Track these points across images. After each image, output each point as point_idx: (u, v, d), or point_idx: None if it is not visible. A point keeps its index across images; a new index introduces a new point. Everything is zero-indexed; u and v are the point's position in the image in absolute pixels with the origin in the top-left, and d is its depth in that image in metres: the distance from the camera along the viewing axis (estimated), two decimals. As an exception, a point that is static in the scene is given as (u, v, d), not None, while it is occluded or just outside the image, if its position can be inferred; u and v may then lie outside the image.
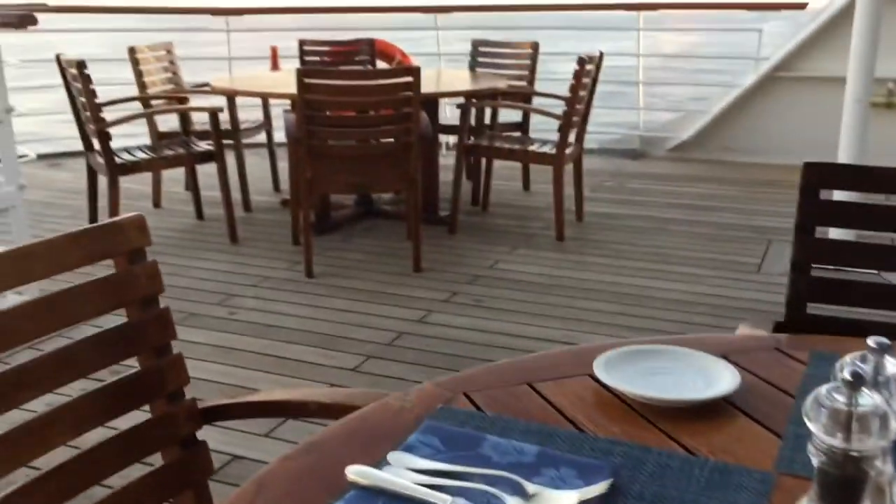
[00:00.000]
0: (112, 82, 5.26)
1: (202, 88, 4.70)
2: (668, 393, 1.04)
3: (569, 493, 0.83)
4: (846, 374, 0.66)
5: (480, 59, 5.19)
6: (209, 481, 1.31)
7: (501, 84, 4.42)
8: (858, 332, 1.48)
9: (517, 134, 4.87)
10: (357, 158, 3.71)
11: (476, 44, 5.21)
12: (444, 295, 3.46)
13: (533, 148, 4.27)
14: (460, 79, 4.77)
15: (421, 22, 6.54)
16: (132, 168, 3.93)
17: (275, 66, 5.85)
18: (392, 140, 3.66)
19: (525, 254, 3.98)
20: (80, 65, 3.63)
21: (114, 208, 3.85)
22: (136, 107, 4.60)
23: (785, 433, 0.97)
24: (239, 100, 4.66)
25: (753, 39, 6.04)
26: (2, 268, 1.08)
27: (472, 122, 4.60)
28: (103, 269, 1.22)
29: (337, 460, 0.89)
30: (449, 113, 5.93)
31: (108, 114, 3.89)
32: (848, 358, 0.72)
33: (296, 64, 5.33)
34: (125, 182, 3.95)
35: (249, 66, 6.40)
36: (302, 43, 5.34)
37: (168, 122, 4.82)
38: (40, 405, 1.14)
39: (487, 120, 4.94)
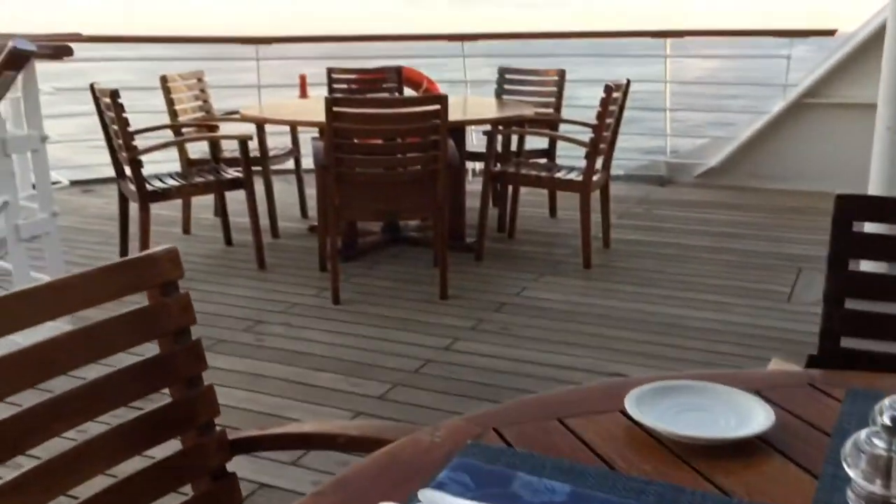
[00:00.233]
0: (143, 110, 5.34)
1: (232, 116, 4.77)
2: (702, 431, 1.03)
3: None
4: (886, 420, 0.65)
5: (507, 87, 5.21)
6: (238, 512, 1.31)
7: (528, 111, 4.44)
8: (894, 367, 1.46)
9: (544, 160, 4.88)
10: (384, 186, 3.73)
11: (503, 71, 5.24)
12: (471, 322, 3.46)
13: (560, 175, 4.27)
14: (487, 106, 4.79)
15: (448, 50, 6.59)
16: (163, 195, 3.98)
17: (303, 94, 5.91)
18: (419, 167, 3.67)
19: (552, 281, 3.97)
20: (114, 94, 3.70)
21: (144, 235, 3.90)
22: (168, 134, 4.67)
23: (822, 474, 0.96)
24: (268, 126, 4.71)
25: (781, 65, 6.02)
26: (42, 299, 1.10)
27: (499, 148, 4.62)
28: (132, 299, 1.23)
29: (367, 498, 0.89)
30: (475, 140, 5.96)
31: (140, 140, 3.96)
32: (887, 401, 0.71)
33: (324, 91, 5.39)
34: (155, 208, 4.00)
35: (278, 93, 6.48)
36: (330, 71, 5.40)
37: (198, 149, 4.88)
38: (75, 435, 1.15)
39: (514, 147, 4.96)
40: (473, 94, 6.46)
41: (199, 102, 4.91)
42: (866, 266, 2.20)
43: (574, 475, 0.94)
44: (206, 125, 4.74)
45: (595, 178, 4.12)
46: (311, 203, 5.13)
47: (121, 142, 3.83)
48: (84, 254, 4.52)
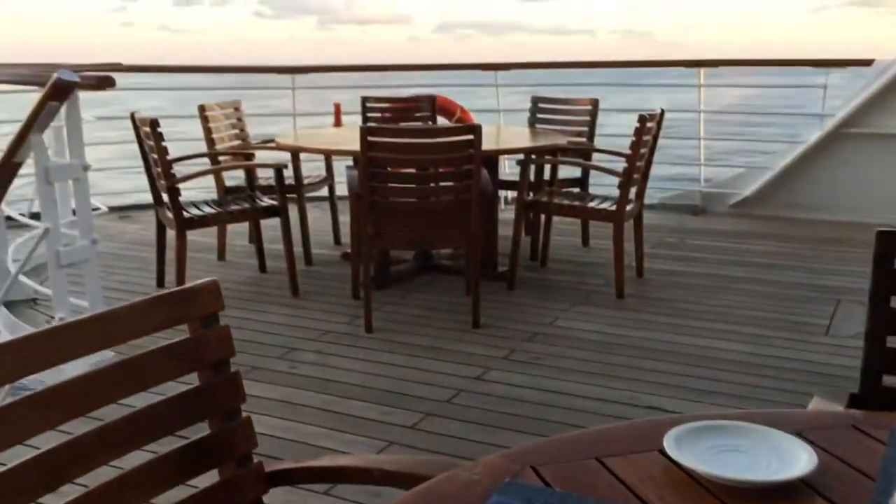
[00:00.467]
0: (178, 137, 5.44)
1: (267, 144, 4.84)
2: (743, 473, 1.01)
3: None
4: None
5: (540, 116, 5.23)
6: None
7: (561, 141, 4.45)
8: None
9: (577, 190, 4.88)
10: (418, 214, 3.75)
11: (536, 100, 5.26)
12: (503, 352, 3.45)
13: (593, 204, 4.27)
14: (520, 135, 4.81)
15: (481, 78, 6.64)
16: (199, 222, 4.04)
17: (337, 122, 5.99)
18: (453, 196, 3.69)
19: (584, 311, 3.95)
20: (154, 123, 3.77)
21: (181, 262, 3.95)
22: (204, 162, 4.75)
23: (866, 520, 0.94)
24: (302, 154, 4.77)
25: (817, 94, 5.98)
26: (89, 331, 1.13)
27: (532, 177, 4.62)
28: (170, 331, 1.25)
29: (406, 536, 0.89)
30: (508, 168, 5.97)
31: (177, 167, 4.02)
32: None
33: (358, 118, 5.45)
34: (191, 234, 4.05)
35: (313, 120, 6.56)
36: (364, 100, 5.46)
37: (234, 176, 4.96)
38: (118, 465, 1.17)
39: (547, 176, 4.96)
40: (506, 122, 6.48)
41: (236, 131, 4.99)
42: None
43: (613, 517, 0.94)
44: (243, 153, 4.81)
45: (628, 207, 4.11)
46: (345, 230, 5.17)
47: (159, 170, 3.90)
48: (121, 279, 4.59)
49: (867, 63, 5.79)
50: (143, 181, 4.23)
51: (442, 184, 3.75)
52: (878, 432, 1.15)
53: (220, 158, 4.74)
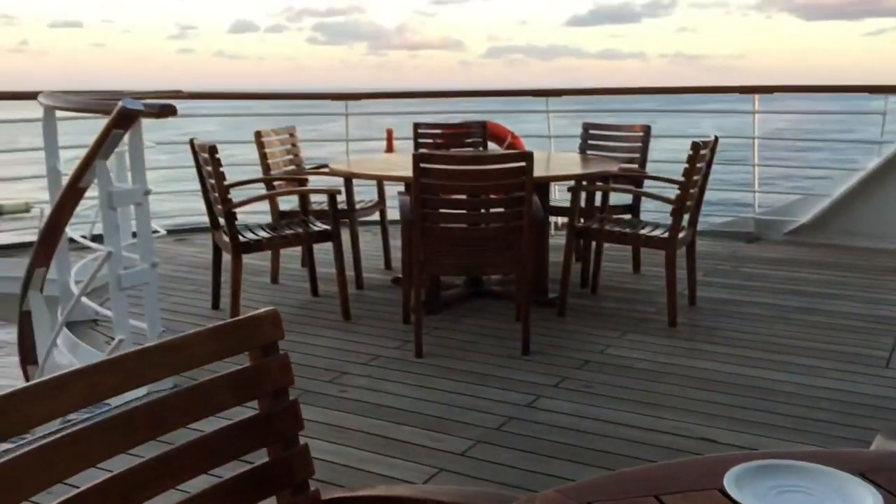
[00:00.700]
0: (232, 161, 5.56)
1: (321, 169, 4.91)
2: (804, 515, 1.00)
3: None
4: None
5: (591, 142, 5.22)
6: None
7: (613, 167, 4.44)
8: None
9: (628, 216, 4.85)
10: (469, 241, 3.77)
11: (587, 127, 5.26)
12: (554, 380, 3.43)
13: (644, 231, 4.24)
14: (571, 162, 4.81)
15: (531, 104, 6.66)
16: (255, 247, 4.11)
17: (389, 148, 6.06)
18: (504, 223, 3.70)
19: (636, 339, 3.91)
20: (212, 149, 3.86)
21: (236, 285, 4.03)
22: (260, 187, 4.84)
23: (934, 567, 0.92)
24: (354, 179, 4.83)
25: (874, 120, 5.87)
26: (157, 358, 1.16)
27: (583, 204, 4.61)
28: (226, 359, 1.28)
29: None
30: (558, 194, 5.97)
31: (234, 191, 4.10)
32: None
33: (408, 143, 5.51)
34: (246, 257, 4.13)
35: (365, 145, 6.65)
36: (416, 126, 5.52)
37: (288, 201, 5.04)
38: (176, 493, 1.20)
39: (598, 202, 4.95)
40: (557, 148, 6.49)
41: (290, 156, 5.08)
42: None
43: (672, 556, 0.93)
44: (297, 178, 4.89)
45: (681, 235, 4.07)
46: (395, 255, 5.21)
47: (216, 195, 3.98)
48: (177, 301, 4.68)
49: (927, 88, 5.68)
50: (195, 203, 4.34)
51: (493, 210, 3.77)
52: (946, 475, 1.12)
53: (275, 183, 4.83)
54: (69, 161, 3.77)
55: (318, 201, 4.85)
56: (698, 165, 3.96)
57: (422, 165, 3.57)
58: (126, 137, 3.19)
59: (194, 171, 4.22)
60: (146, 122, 3.11)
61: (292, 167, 5.05)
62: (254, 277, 4.94)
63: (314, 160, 5.43)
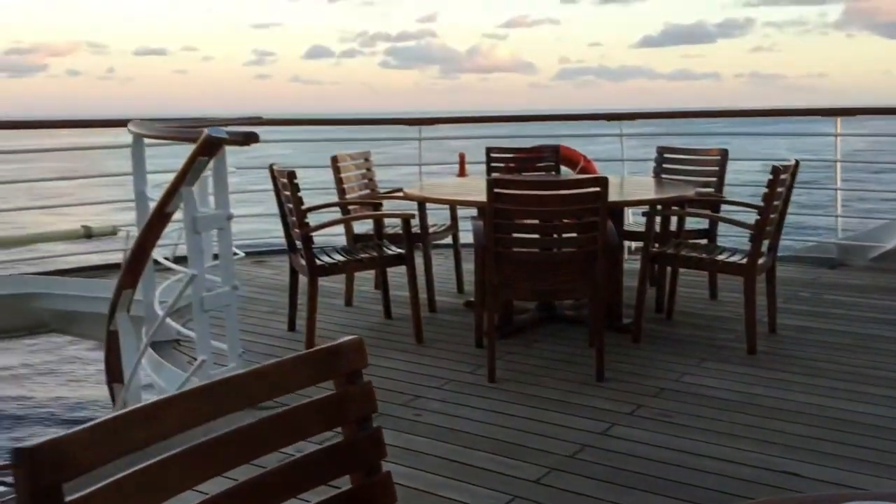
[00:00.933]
0: (305, 185, 5.69)
1: (395, 194, 4.98)
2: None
3: None
4: None
5: (666, 166, 5.17)
6: None
7: (689, 192, 4.38)
8: None
9: (704, 241, 4.77)
10: (542, 265, 3.76)
11: (662, 150, 5.21)
12: (629, 407, 3.39)
13: (722, 257, 4.16)
14: (646, 186, 4.77)
15: (604, 128, 6.63)
16: (331, 270, 4.19)
17: (462, 172, 6.11)
18: (578, 247, 3.69)
19: (714, 367, 3.84)
20: (291, 175, 3.96)
21: (312, 307, 4.10)
22: (336, 210, 4.93)
23: None
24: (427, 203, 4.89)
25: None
26: (250, 384, 1.20)
27: (657, 228, 4.56)
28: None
29: None
30: (632, 217, 5.91)
31: (311, 214, 4.20)
32: None
33: (482, 168, 5.54)
34: (321, 280, 4.20)
35: (438, 169, 6.71)
36: (489, 150, 5.55)
37: (363, 224, 5.13)
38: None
39: (673, 226, 4.88)
40: (630, 171, 6.43)
41: (365, 180, 5.17)
42: None
43: None
44: (371, 203, 4.97)
45: (761, 261, 3.99)
46: (468, 278, 5.23)
47: (294, 219, 4.08)
48: (254, 322, 4.79)
49: None
50: (264, 224, 4.44)
51: (567, 235, 3.76)
52: None
53: (350, 207, 4.91)
54: (157, 186, 3.92)
55: (392, 225, 4.92)
56: (778, 190, 3.88)
57: (496, 190, 3.59)
58: (211, 164, 3.29)
59: (263, 192, 4.34)
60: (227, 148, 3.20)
61: (367, 191, 5.13)
62: (328, 300, 5.02)
63: (387, 183, 5.51)
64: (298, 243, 4.17)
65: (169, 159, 4.08)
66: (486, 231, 3.66)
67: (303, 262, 4.15)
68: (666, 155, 5.20)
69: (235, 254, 4.84)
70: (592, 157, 7.71)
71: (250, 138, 3.12)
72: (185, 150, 3.17)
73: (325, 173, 5.08)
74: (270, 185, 4.32)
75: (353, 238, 4.90)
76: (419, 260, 4.64)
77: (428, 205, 4.96)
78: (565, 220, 3.77)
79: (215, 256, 3.70)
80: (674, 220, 4.86)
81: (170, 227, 4.58)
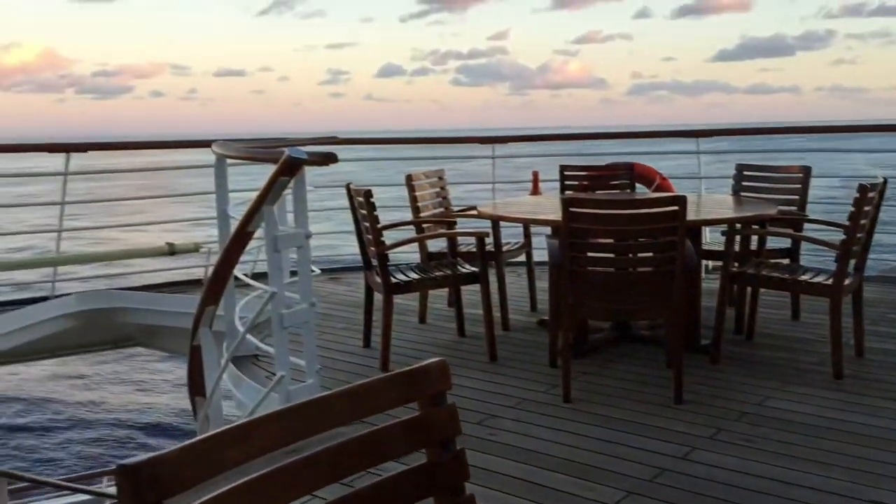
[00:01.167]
0: (379, 202, 5.76)
1: (469, 212, 5.00)
2: None
3: None
4: None
5: (745, 184, 5.06)
6: None
7: (771, 210, 4.28)
8: None
9: (786, 261, 4.65)
10: (619, 285, 3.72)
11: (741, 168, 5.10)
12: (709, 431, 3.31)
13: (805, 277, 4.04)
14: (725, 204, 4.67)
15: (681, 144, 6.53)
16: (406, 287, 4.22)
17: (535, 191, 6.09)
18: (655, 267, 3.63)
19: (798, 391, 3.72)
20: (368, 194, 4.02)
21: (387, 325, 4.14)
22: (410, 228, 4.98)
23: None
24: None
25: None
26: (339, 405, 1.22)
27: (737, 247, 4.46)
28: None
29: None
30: (709, 236, 5.80)
31: (386, 232, 4.24)
32: None
33: (554, 185, 5.52)
34: (395, 297, 4.23)
35: (511, 188, 6.71)
36: (563, 168, 5.53)
37: (436, 242, 5.15)
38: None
39: (753, 245, 4.77)
40: (707, 189, 6.31)
41: (439, 199, 5.20)
42: None
43: None
44: (445, 221, 4.99)
45: (847, 281, 3.86)
46: (541, 297, 5.21)
47: (370, 237, 4.13)
48: (330, 339, 4.85)
49: None
50: (337, 240, 4.49)
51: (644, 254, 3.70)
52: None
53: (424, 225, 4.95)
54: (239, 205, 4.02)
55: (466, 242, 4.93)
56: (866, 209, 3.76)
57: (571, 210, 3.57)
58: (291, 184, 3.35)
59: (331, 209, 4.40)
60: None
61: (441, 209, 5.16)
62: (402, 317, 5.05)
63: (459, 201, 5.53)
64: (374, 261, 4.21)
65: (240, 177, 4.19)
66: (562, 250, 3.63)
67: (378, 279, 4.19)
68: (745, 172, 5.09)
69: (312, 271, 4.94)
70: (666, 173, 7.61)
71: (329, 159, 3.18)
72: (259, 169, 3.24)
73: (396, 190, 5.13)
74: (338, 202, 4.39)
75: (428, 256, 4.93)
76: (492, 278, 4.63)
77: (501, 223, 4.95)
78: (642, 240, 3.72)
79: (292, 273, 3.76)
80: (754, 238, 4.75)
81: (249, 245, 4.71)
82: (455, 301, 4.80)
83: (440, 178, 5.27)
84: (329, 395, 1.23)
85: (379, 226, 4.12)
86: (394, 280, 4.20)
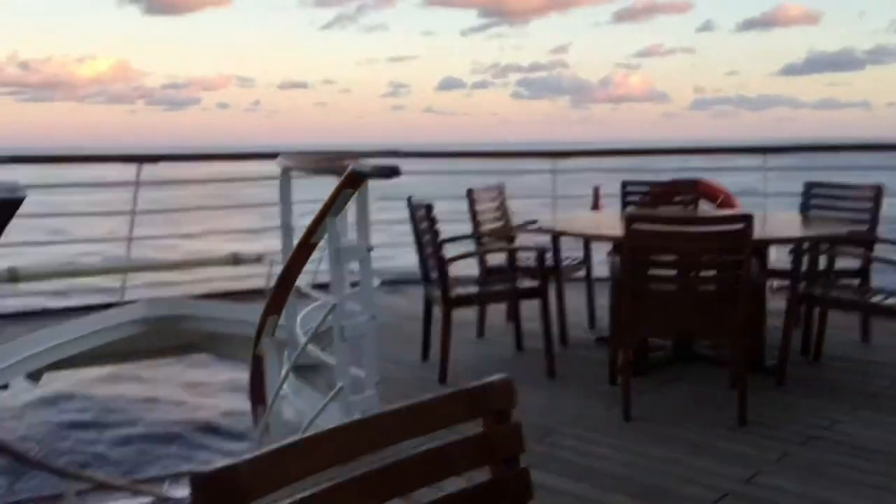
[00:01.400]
0: (443, 216, 5.78)
1: (529, 227, 4.98)
2: None
3: None
4: None
5: (814, 202, 4.94)
6: None
7: (842, 230, 4.16)
8: None
9: (856, 282, 4.51)
10: (681, 303, 3.65)
11: (810, 186, 4.98)
12: (775, 455, 3.22)
13: (877, 299, 3.92)
14: (792, 223, 4.57)
15: (746, 160, 6.41)
16: (465, 301, 4.22)
17: (596, 206, 6.04)
18: (719, 286, 3.56)
19: (869, 416, 3.60)
20: (429, 208, 4.04)
21: (445, 338, 4.14)
22: (470, 241, 4.98)
23: None
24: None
25: None
26: (404, 420, 1.22)
27: (804, 267, 4.34)
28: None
29: None
30: (775, 255, 5.67)
31: (446, 246, 4.25)
32: None
33: (616, 201, 5.46)
34: (454, 310, 4.23)
35: (572, 203, 6.67)
36: (625, 184, 5.47)
37: (496, 256, 5.14)
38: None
39: (821, 265, 4.64)
40: (773, 206, 6.18)
41: (499, 213, 5.19)
42: None
43: None
44: (505, 236, 4.99)
45: (921, 304, 3.73)
46: (600, 313, 5.15)
47: (430, 250, 4.14)
48: (388, 351, 4.86)
49: None
50: (393, 251, 4.50)
51: (709, 273, 3.64)
52: None
53: (484, 239, 4.95)
54: (301, 216, 4.07)
55: (525, 257, 4.91)
56: (942, 229, 3.63)
57: (633, 227, 3.53)
58: (354, 197, 3.39)
59: (389, 222, 4.41)
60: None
61: (501, 223, 5.15)
62: (460, 330, 5.04)
63: (519, 215, 5.51)
64: (433, 274, 4.22)
65: (299, 189, 4.24)
66: (623, 267, 3.59)
67: (437, 293, 4.20)
68: (814, 190, 4.97)
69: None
70: (730, 190, 7.46)
71: (393, 172, 3.19)
72: (317, 181, 3.28)
73: (457, 203, 5.14)
74: (389, 214, 4.42)
75: (487, 270, 4.92)
76: (552, 294, 4.60)
77: (561, 238, 4.92)
78: (706, 258, 3.65)
79: (352, 284, 3.79)
80: (822, 258, 4.62)
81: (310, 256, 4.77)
82: (514, 316, 4.78)
83: (500, 192, 5.27)
84: (394, 410, 1.24)
85: (439, 239, 4.13)
86: (453, 294, 4.20)
